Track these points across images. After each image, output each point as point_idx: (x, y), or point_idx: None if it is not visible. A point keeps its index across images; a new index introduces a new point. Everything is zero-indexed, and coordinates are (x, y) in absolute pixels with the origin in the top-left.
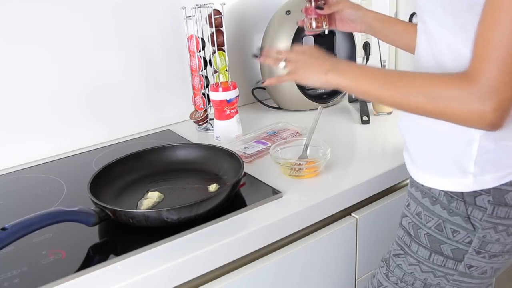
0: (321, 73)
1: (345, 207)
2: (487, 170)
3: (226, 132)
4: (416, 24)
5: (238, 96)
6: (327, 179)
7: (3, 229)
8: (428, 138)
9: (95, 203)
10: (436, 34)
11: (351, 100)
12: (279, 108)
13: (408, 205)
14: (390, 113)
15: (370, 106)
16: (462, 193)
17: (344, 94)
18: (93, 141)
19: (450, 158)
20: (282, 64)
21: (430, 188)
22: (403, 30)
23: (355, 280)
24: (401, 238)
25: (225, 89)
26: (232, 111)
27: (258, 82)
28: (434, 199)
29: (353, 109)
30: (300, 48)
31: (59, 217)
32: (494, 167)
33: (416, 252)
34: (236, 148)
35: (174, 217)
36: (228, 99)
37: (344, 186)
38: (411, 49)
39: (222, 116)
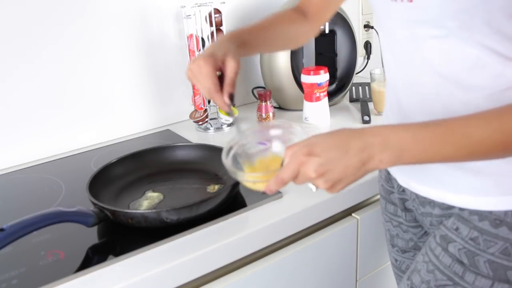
0: (361, 169)
1: (346, 207)
2: None
3: (315, 114)
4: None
5: (328, 80)
6: None
7: (1, 229)
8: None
9: (94, 204)
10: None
11: (352, 100)
12: (279, 107)
13: (456, 229)
14: None
15: (371, 105)
16: None
17: (345, 93)
18: (92, 141)
19: None
20: (312, 187)
21: (491, 211)
22: (279, 27)
23: (356, 281)
24: (449, 267)
25: (315, 73)
26: (322, 94)
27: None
28: (498, 222)
29: (354, 108)
30: (310, 151)
31: (58, 218)
32: None
33: (473, 283)
34: None
35: (174, 217)
36: (318, 82)
37: None
38: (299, 43)
39: (312, 98)
